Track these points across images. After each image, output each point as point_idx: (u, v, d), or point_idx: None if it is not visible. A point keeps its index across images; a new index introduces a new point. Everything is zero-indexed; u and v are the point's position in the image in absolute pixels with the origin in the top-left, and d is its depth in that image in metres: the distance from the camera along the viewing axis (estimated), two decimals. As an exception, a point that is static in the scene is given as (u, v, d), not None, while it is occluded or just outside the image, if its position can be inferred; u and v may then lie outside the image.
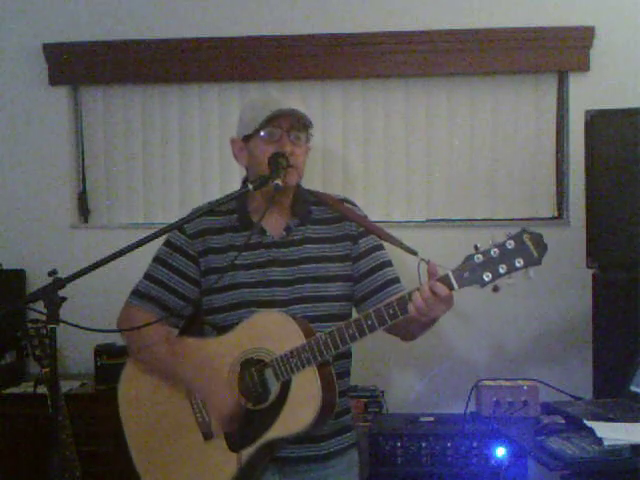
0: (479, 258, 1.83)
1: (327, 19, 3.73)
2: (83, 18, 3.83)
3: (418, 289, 1.91)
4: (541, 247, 1.80)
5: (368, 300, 2.21)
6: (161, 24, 3.78)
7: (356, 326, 1.99)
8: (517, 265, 1.80)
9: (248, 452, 2.07)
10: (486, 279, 1.83)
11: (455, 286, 1.87)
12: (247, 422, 2.08)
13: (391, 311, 1.95)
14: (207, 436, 2.14)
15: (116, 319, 2.30)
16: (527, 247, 1.79)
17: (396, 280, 2.24)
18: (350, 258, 2.23)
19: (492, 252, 1.82)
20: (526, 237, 1.80)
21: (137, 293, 2.26)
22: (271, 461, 2.14)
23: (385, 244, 2.26)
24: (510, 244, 1.81)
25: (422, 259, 1.97)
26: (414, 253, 2.09)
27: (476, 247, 1.84)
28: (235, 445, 2.09)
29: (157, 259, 2.26)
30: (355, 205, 2.31)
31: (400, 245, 2.17)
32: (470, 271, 1.84)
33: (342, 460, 2.23)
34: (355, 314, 2.22)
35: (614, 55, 3.61)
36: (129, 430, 2.25)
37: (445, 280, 1.87)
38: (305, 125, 2.19)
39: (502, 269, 1.81)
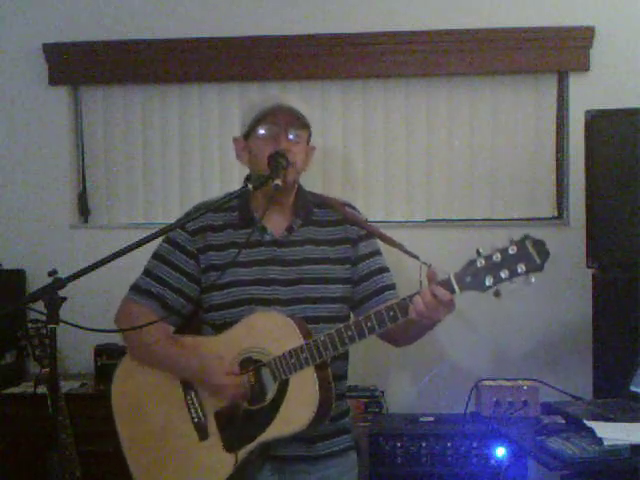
0: (481, 262, 1.83)
1: (327, 19, 3.73)
2: (83, 18, 3.83)
3: (419, 292, 1.91)
4: (543, 253, 1.79)
5: (364, 304, 2.22)
6: (161, 24, 3.78)
7: (356, 328, 1.99)
8: (519, 271, 1.79)
9: (244, 452, 2.06)
10: (488, 284, 1.82)
11: (457, 290, 1.87)
12: (244, 422, 2.08)
13: (392, 313, 1.95)
14: (202, 436, 2.13)
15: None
16: (529, 253, 1.79)
17: (392, 286, 2.25)
18: (350, 261, 2.23)
19: (494, 257, 1.82)
20: (528, 243, 1.80)
21: (136, 289, 2.25)
22: (270, 460, 2.14)
23: (386, 247, 2.26)
24: (512, 249, 1.80)
25: (424, 263, 1.98)
26: (416, 257, 2.09)
27: (478, 251, 1.84)
28: (231, 445, 2.08)
29: (157, 255, 2.25)
30: (356, 209, 2.31)
31: (402, 249, 2.17)
32: (472, 275, 1.84)
33: (341, 461, 2.23)
34: (351, 316, 2.23)
35: (614, 55, 3.61)
36: (123, 429, 2.23)
37: (446, 284, 1.87)
38: (305, 124, 2.18)
39: (504, 274, 1.81)
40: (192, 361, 2.14)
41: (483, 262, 1.83)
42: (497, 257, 1.81)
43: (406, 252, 2.15)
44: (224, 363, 2.08)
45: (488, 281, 1.82)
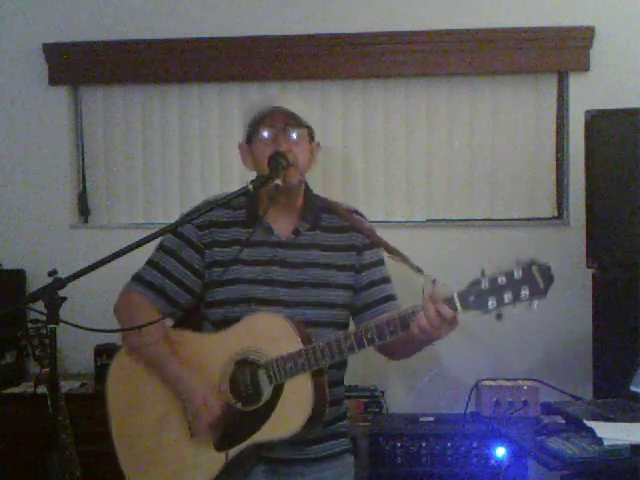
0: (485, 284, 1.84)
1: (327, 19, 3.73)
2: (83, 18, 3.83)
3: (422, 308, 1.91)
4: (547, 279, 1.80)
5: (363, 313, 2.22)
6: (161, 24, 3.78)
7: (355, 339, 1.99)
8: (522, 295, 1.81)
9: (233, 452, 2.06)
10: (490, 306, 1.84)
11: (459, 308, 1.87)
12: (235, 422, 2.07)
13: (392, 327, 1.96)
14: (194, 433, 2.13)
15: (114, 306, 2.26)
16: (534, 278, 1.80)
17: (393, 297, 2.25)
18: (354, 268, 2.23)
19: (499, 280, 1.82)
20: (534, 268, 1.80)
21: (139, 279, 2.22)
22: (263, 461, 2.14)
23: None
24: (518, 274, 1.81)
25: (427, 276, 1.99)
26: (420, 271, 2.10)
27: (483, 272, 1.84)
28: (221, 444, 2.08)
29: (162, 247, 2.23)
30: (363, 217, 2.31)
31: (406, 261, 2.18)
32: (475, 295, 1.85)
33: (337, 464, 2.22)
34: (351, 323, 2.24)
35: (614, 55, 3.61)
36: (116, 423, 2.23)
37: (449, 302, 1.88)
38: (304, 123, 2.18)
39: (507, 298, 1.82)
40: (178, 376, 2.13)
41: (487, 284, 1.83)
42: (502, 280, 1.82)
43: (410, 265, 2.16)
44: (207, 405, 2.08)
45: (491, 303, 1.83)
